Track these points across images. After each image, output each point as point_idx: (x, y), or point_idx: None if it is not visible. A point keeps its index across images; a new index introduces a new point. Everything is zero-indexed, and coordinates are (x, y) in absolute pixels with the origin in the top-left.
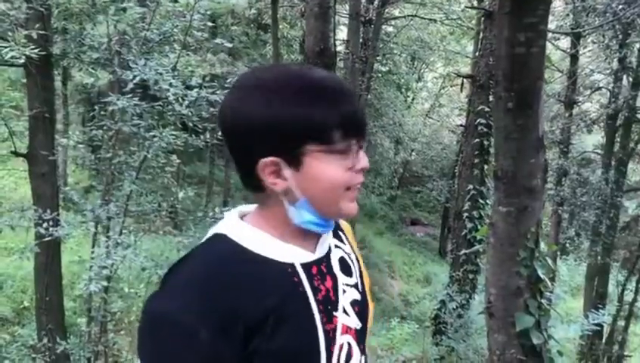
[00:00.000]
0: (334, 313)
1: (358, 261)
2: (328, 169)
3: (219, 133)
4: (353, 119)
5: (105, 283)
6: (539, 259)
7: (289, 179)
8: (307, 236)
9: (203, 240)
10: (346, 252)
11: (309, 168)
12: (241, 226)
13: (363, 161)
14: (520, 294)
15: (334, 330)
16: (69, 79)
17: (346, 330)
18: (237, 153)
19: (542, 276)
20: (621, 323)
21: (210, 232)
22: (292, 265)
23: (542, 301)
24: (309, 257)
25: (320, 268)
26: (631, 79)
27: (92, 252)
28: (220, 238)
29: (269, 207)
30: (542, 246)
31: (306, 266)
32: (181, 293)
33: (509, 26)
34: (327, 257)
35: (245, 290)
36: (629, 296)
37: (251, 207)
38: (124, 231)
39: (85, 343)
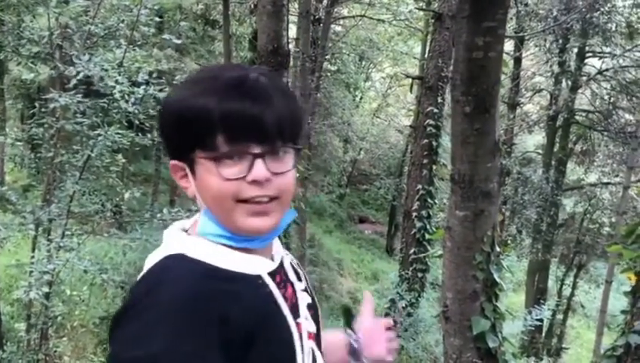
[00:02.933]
0: (298, 320)
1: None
2: (209, 177)
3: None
4: (241, 120)
5: (46, 289)
6: (494, 262)
7: (192, 186)
8: None
9: (156, 263)
10: (291, 256)
11: (200, 175)
12: (197, 242)
13: (255, 172)
14: (476, 298)
15: (301, 336)
16: (6, 73)
17: (309, 335)
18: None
19: (497, 279)
20: (560, 317)
21: (161, 254)
22: (260, 277)
23: (498, 304)
24: (271, 266)
25: (281, 276)
26: (570, 82)
27: (32, 257)
28: (182, 258)
29: None
30: (497, 249)
31: (272, 275)
32: (172, 323)
33: (468, 30)
34: (281, 264)
35: (230, 306)
36: (567, 291)
37: (191, 221)
38: (67, 233)
39: (25, 352)
